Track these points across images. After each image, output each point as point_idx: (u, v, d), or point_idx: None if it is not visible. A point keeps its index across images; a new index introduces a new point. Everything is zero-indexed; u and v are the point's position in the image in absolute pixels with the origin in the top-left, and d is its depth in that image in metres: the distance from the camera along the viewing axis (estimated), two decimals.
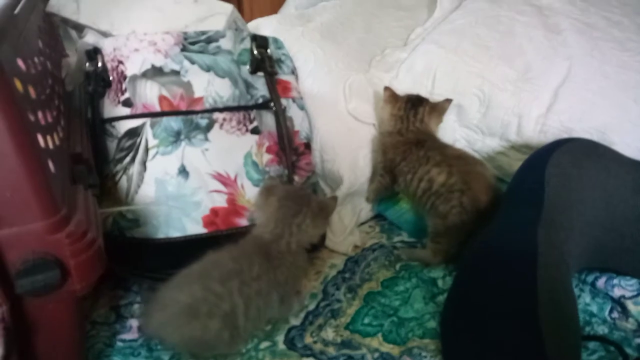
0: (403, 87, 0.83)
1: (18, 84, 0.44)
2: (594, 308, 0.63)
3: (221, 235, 0.68)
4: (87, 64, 0.70)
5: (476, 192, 0.70)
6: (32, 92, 0.48)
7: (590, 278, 0.67)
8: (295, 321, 0.63)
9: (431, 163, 0.73)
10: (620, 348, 0.55)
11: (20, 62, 0.47)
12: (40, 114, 0.49)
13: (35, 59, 0.54)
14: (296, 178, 0.74)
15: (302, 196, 0.65)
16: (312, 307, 0.66)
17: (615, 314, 0.62)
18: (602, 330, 0.60)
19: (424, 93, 0.83)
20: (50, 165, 0.47)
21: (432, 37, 0.89)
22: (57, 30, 0.81)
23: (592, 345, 0.57)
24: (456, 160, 0.73)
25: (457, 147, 0.80)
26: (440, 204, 0.71)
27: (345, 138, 0.81)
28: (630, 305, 0.62)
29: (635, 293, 0.64)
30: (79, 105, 0.71)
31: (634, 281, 0.65)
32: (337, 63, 0.85)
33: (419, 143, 0.76)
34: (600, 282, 0.66)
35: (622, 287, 0.65)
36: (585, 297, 0.64)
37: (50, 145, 0.50)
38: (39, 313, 0.47)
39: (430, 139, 0.77)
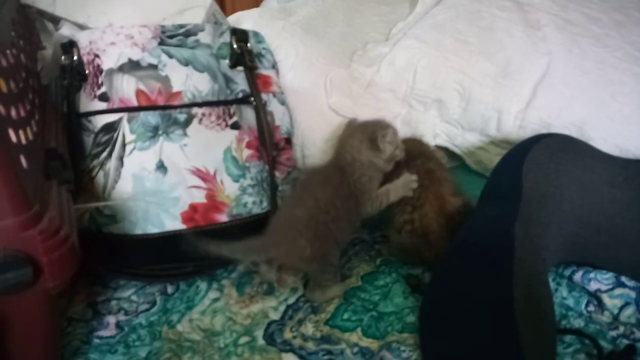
0: (384, 82, 0.83)
1: None
2: (570, 302, 0.63)
3: (200, 231, 0.67)
4: (63, 57, 0.68)
5: (427, 217, 0.67)
6: (3, 86, 0.47)
7: (567, 272, 0.67)
8: (274, 316, 0.63)
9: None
10: (595, 341, 0.55)
11: None
12: (12, 108, 0.49)
13: (8, 51, 0.53)
14: (277, 173, 0.74)
15: (367, 125, 0.72)
16: (291, 301, 0.66)
17: (591, 307, 0.63)
18: (578, 323, 0.60)
19: (405, 88, 0.83)
20: (23, 160, 0.46)
21: (414, 32, 0.88)
22: (32, 23, 0.79)
23: (567, 338, 0.58)
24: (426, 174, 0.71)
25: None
26: (398, 215, 0.69)
27: (326, 133, 0.81)
28: (605, 298, 0.63)
29: (611, 287, 0.65)
30: (54, 99, 0.70)
31: (609, 275, 0.66)
32: (318, 57, 0.85)
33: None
34: (577, 276, 0.66)
35: (598, 280, 0.66)
36: (562, 291, 0.65)
37: (23, 140, 0.49)
38: (12, 311, 0.46)
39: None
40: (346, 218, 0.65)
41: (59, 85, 0.69)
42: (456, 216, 0.67)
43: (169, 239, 0.66)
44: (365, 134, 0.69)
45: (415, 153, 0.74)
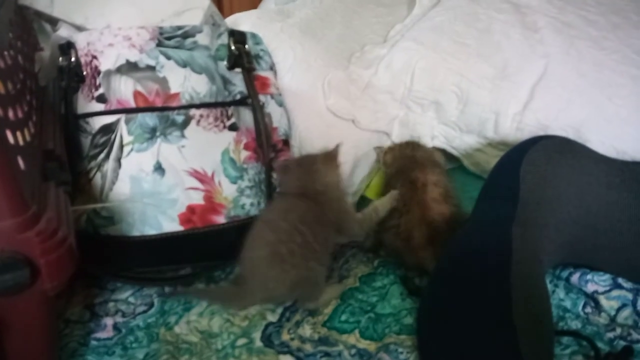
0: (382, 84, 0.84)
1: None
2: (567, 303, 0.64)
3: (198, 232, 0.67)
4: (60, 59, 0.68)
5: (410, 224, 0.67)
6: (1, 87, 0.47)
7: (564, 274, 0.67)
8: (272, 317, 0.63)
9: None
10: (592, 342, 0.55)
11: None
12: (10, 110, 0.48)
13: (5, 53, 0.53)
14: (274, 175, 0.74)
15: (310, 156, 0.70)
16: (289, 303, 0.65)
17: (588, 309, 0.63)
18: (575, 325, 0.61)
19: (402, 90, 0.83)
20: (20, 161, 0.46)
21: (412, 34, 0.89)
22: (30, 24, 0.79)
23: (565, 340, 0.58)
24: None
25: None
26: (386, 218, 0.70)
27: (324, 134, 0.81)
28: (603, 300, 0.63)
29: (608, 288, 0.65)
30: (52, 100, 0.70)
31: (606, 276, 0.66)
32: (316, 59, 0.85)
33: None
34: (574, 278, 0.67)
35: (595, 282, 0.66)
36: (560, 293, 0.65)
37: (21, 142, 0.49)
38: (9, 312, 0.46)
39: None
40: (316, 242, 0.62)
41: (56, 86, 0.69)
42: (441, 224, 0.67)
43: (167, 240, 0.66)
44: (321, 159, 0.67)
45: (406, 161, 0.75)
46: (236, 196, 0.70)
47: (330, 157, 0.68)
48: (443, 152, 0.85)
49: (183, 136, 0.67)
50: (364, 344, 0.59)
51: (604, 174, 0.66)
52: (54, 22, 0.79)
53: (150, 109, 0.67)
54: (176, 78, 0.68)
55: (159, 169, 0.66)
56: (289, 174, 0.68)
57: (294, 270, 0.60)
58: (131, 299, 0.67)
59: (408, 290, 0.67)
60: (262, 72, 0.77)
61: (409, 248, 0.67)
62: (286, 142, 0.77)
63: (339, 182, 0.68)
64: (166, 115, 0.67)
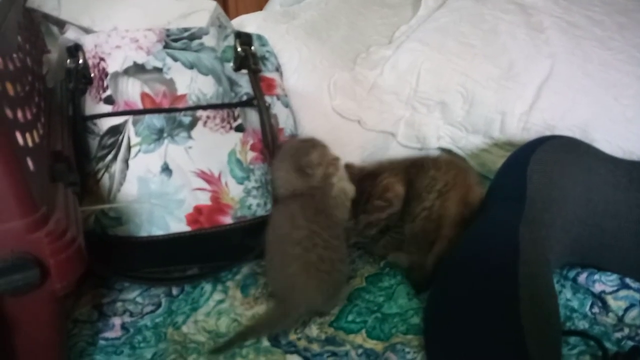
0: (388, 85, 0.84)
1: None
2: (575, 303, 0.63)
3: (205, 233, 0.68)
4: (68, 61, 0.69)
5: (449, 200, 0.68)
6: (10, 89, 0.48)
7: (571, 274, 0.67)
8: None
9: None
10: (600, 342, 0.55)
11: None
12: (19, 111, 0.49)
13: (14, 55, 0.54)
14: None
15: (290, 149, 0.69)
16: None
17: (595, 309, 0.63)
18: (582, 325, 0.60)
19: (408, 90, 0.83)
20: (30, 163, 0.46)
21: (417, 35, 0.89)
22: (38, 26, 0.80)
23: (572, 340, 0.58)
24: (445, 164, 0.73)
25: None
26: (415, 206, 0.70)
27: (330, 135, 0.81)
28: (610, 300, 0.63)
29: (615, 288, 0.65)
30: (60, 102, 0.70)
31: (614, 277, 0.66)
32: (321, 60, 0.85)
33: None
34: (582, 278, 0.66)
35: (602, 282, 0.66)
36: (567, 293, 0.65)
37: (30, 143, 0.49)
38: (19, 312, 0.46)
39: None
40: (331, 235, 0.62)
41: (64, 88, 0.70)
42: (477, 205, 0.68)
43: (174, 241, 0.67)
44: (290, 164, 0.67)
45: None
46: (243, 197, 0.70)
47: (298, 168, 0.66)
48: (449, 152, 0.85)
49: (190, 137, 0.68)
50: (370, 344, 0.59)
51: (611, 174, 0.66)
52: (61, 24, 0.80)
53: (158, 110, 0.67)
54: (183, 79, 0.69)
55: (166, 170, 0.66)
56: (280, 165, 0.68)
57: (330, 275, 0.60)
58: (139, 299, 0.67)
59: (414, 282, 0.67)
60: (268, 74, 0.78)
61: (439, 227, 0.67)
62: None
63: (330, 169, 0.68)
64: (173, 116, 0.67)
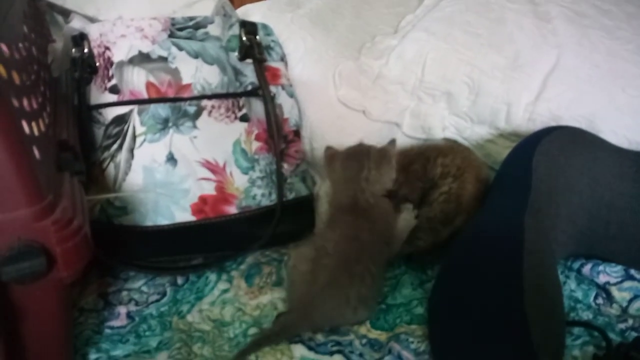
0: (393, 75, 0.83)
1: (1, 69, 0.44)
2: (579, 294, 0.63)
3: (210, 223, 0.68)
4: (73, 50, 0.69)
5: (466, 182, 0.70)
6: (16, 78, 0.48)
7: (576, 265, 0.67)
8: (283, 307, 0.64)
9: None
10: (604, 333, 0.55)
11: (3, 47, 0.46)
12: (25, 100, 0.49)
13: (20, 44, 0.54)
14: (285, 166, 0.74)
15: (360, 151, 0.68)
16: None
17: (599, 300, 0.63)
18: (586, 315, 0.61)
19: (413, 80, 0.82)
20: (36, 152, 0.46)
21: (423, 25, 0.88)
22: (43, 15, 0.80)
23: (576, 330, 0.58)
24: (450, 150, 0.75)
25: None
26: (431, 194, 0.71)
27: (335, 125, 0.81)
28: (614, 291, 0.63)
29: (619, 279, 0.65)
30: (65, 91, 0.70)
31: (618, 268, 0.66)
32: (327, 50, 0.84)
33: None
34: (586, 269, 0.66)
35: (607, 273, 0.66)
36: (571, 284, 0.65)
37: (36, 132, 0.49)
38: (26, 300, 0.46)
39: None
40: (371, 262, 0.60)
41: (69, 77, 0.70)
42: (489, 181, 0.71)
43: (179, 230, 0.67)
44: (374, 159, 0.66)
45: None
46: (247, 187, 0.70)
47: (383, 155, 0.66)
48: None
49: (195, 127, 0.68)
50: (375, 334, 0.60)
51: (617, 164, 0.65)
52: (66, 13, 0.80)
53: (163, 99, 0.67)
54: (188, 69, 0.68)
55: (171, 159, 0.66)
56: (335, 168, 0.67)
57: (353, 289, 0.58)
58: (144, 288, 0.68)
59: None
60: (273, 63, 0.77)
61: (459, 206, 0.69)
62: (297, 133, 0.78)
63: (384, 192, 0.66)
64: (178, 106, 0.67)
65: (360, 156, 0.67)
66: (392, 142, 0.70)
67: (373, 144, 0.83)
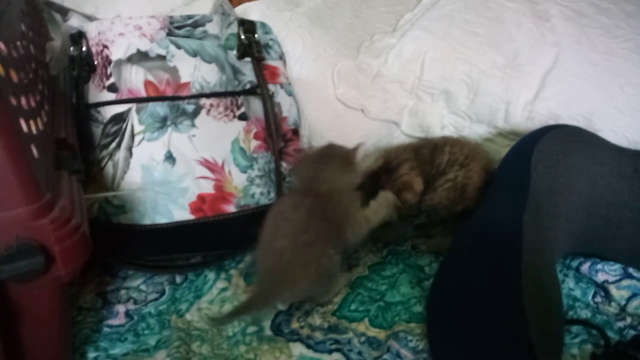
0: (392, 73, 0.83)
1: None
2: (577, 293, 0.64)
3: (208, 221, 0.68)
4: (72, 48, 0.69)
5: (472, 171, 0.70)
6: (14, 76, 0.48)
7: (574, 263, 0.67)
8: (281, 306, 0.64)
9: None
10: (602, 332, 0.55)
11: (1, 45, 0.46)
12: (23, 98, 0.49)
13: (18, 43, 0.54)
14: (284, 164, 0.74)
15: (325, 154, 0.66)
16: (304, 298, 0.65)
17: (598, 299, 0.63)
18: (585, 314, 0.61)
19: (412, 79, 0.82)
20: (34, 150, 0.46)
21: (421, 23, 0.88)
22: (41, 14, 0.80)
23: (575, 329, 0.58)
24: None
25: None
26: (436, 180, 0.71)
27: (334, 124, 0.81)
28: (613, 289, 0.63)
29: (618, 278, 0.65)
30: (63, 90, 0.70)
31: (617, 266, 0.66)
32: (325, 49, 0.85)
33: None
34: (585, 267, 0.66)
35: (605, 272, 0.66)
36: (570, 282, 0.65)
37: (34, 130, 0.49)
38: (24, 298, 0.46)
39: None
40: (327, 240, 0.59)
41: (67, 76, 0.69)
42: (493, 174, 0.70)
43: (178, 229, 0.67)
44: (337, 162, 0.65)
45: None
46: (246, 185, 0.70)
47: (347, 159, 0.65)
48: None
49: (193, 125, 0.68)
50: (373, 332, 0.60)
51: (615, 163, 0.65)
52: (64, 12, 0.79)
53: (161, 98, 0.67)
54: (186, 67, 0.68)
55: (169, 158, 0.66)
56: (303, 166, 0.66)
57: (317, 258, 0.58)
58: (143, 287, 0.68)
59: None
60: (272, 62, 0.77)
61: (463, 194, 0.69)
62: (296, 132, 0.77)
63: (348, 188, 0.64)
64: (177, 104, 0.67)
65: (324, 158, 0.66)
66: (358, 146, 0.67)
67: (371, 142, 0.83)
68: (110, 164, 0.66)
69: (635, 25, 0.81)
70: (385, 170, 0.71)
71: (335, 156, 0.65)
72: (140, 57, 0.67)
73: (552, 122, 0.74)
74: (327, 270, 0.60)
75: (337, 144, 0.68)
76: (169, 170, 0.66)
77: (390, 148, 0.76)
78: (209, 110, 0.69)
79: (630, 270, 0.65)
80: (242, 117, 0.71)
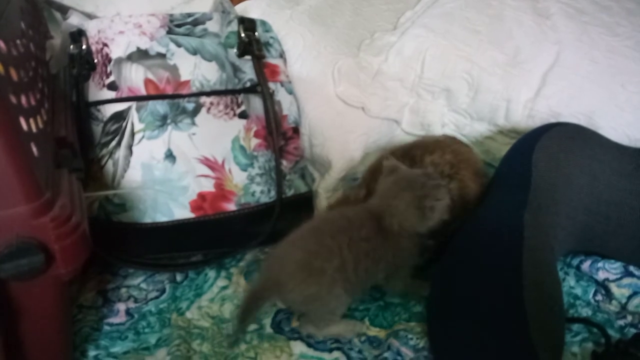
0: (392, 71, 0.83)
1: None
2: (578, 291, 0.63)
3: (209, 220, 0.68)
4: (71, 47, 0.69)
5: (465, 180, 0.67)
6: (14, 74, 0.48)
7: (575, 261, 0.67)
8: (282, 304, 0.64)
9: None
10: (603, 330, 0.55)
11: (1, 44, 0.46)
12: (23, 97, 0.49)
13: (18, 41, 0.53)
14: (284, 162, 0.74)
15: (416, 182, 0.59)
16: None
17: (599, 297, 0.63)
18: (585, 312, 0.61)
19: (413, 77, 0.82)
20: (34, 148, 0.46)
21: (422, 21, 0.88)
22: (40, 12, 0.79)
23: (575, 327, 0.58)
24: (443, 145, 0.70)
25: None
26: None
27: (334, 122, 0.81)
28: (613, 288, 0.63)
29: (619, 276, 0.65)
30: (63, 88, 0.70)
31: (618, 264, 0.66)
32: (326, 47, 0.84)
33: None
34: (585, 266, 0.66)
35: (606, 270, 0.66)
36: (570, 280, 0.65)
37: (34, 129, 0.49)
38: (25, 297, 0.46)
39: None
40: (356, 274, 0.56)
41: (67, 74, 0.69)
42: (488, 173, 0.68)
43: (178, 227, 0.67)
44: (413, 196, 0.58)
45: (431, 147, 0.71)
46: (246, 184, 0.70)
47: (420, 205, 0.58)
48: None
49: (194, 124, 0.67)
50: (373, 331, 0.60)
51: (616, 161, 0.65)
52: (64, 10, 0.79)
53: (161, 96, 0.67)
54: (186, 65, 0.68)
55: (170, 156, 0.66)
56: (387, 181, 0.61)
57: (316, 287, 0.55)
58: (143, 285, 0.68)
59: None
60: (272, 60, 0.77)
61: (465, 203, 0.65)
62: (296, 130, 0.77)
63: (413, 230, 0.58)
64: (177, 102, 0.67)
65: (410, 185, 0.59)
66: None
67: (372, 140, 0.83)
68: (110, 163, 0.66)
69: (636, 23, 0.81)
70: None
71: (413, 191, 0.58)
72: (140, 55, 0.67)
73: (553, 120, 0.74)
74: (321, 304, 0.56)
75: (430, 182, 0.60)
76: (169, 168, 0.66)
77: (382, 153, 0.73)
78: (209, 109, 0.69)
79: (631, 268, 0.65)
80: (243, 115, 0.71)
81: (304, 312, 0.60)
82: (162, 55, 0.68)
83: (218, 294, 0.66)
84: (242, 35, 0.73)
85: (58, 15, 0.82)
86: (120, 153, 0.66)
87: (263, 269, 0.59)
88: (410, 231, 0.58)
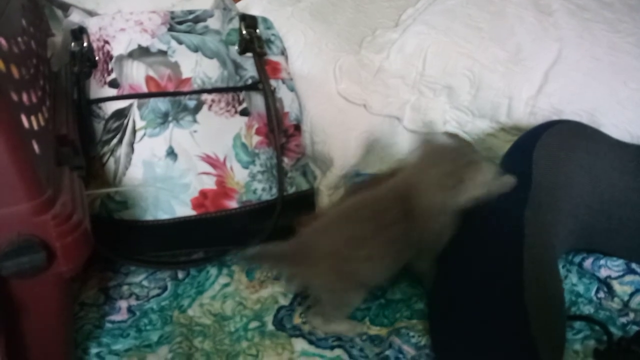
0: (394, 68, 0.83)
1: (0, 63, 0.44)
2: (580, 288, 0.63)
3: (210, 217, 0.68)
4: (73, 44, 0.68)
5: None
6: (15, 72, 0.48)
7: (577, 259, 0.67)
8: (284, 301, 0.64)
9: None
10: (605, 327, 0.55)
11: (2, 41, 0.46)
12: (24, 94, 0.49)
13: (19, 38, 0.53)
14: (286, 160, 0.74)
15: (446, 157, 0.57)
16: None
17: (601, 294, 0.63)
18: (588, 310, 0.61)
19: (414, 74, 0.82)
20: (35, 146, 0.46)
21: (424, 18, 0.88)
22: (42, 9, 0.79)
23: (577, 324, 0.58)
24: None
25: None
26: None
27: (335, 119, 0.81)
28: (616, 285, 0.63)
29: (621, 273, 0.65)
30: (64, 85, 0.70)
31: (620, 262, 0.66)
32: (327, 44, 0.84)
33: None
34: (587, 263, 0.66)
35: (608, 267, 0.66)
36: (572, 278, 0.65)
37: (35, 126, 0.49)
38: (26, 295, 0.46)
39: None
40: (382, 261, 0.56)
41: (69, 72, 0.69)
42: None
43: (180, 225, 0.67)
44: (447, 170, 0.55)
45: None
46: (248, 181, 0.70)
47: (457, 168, 0.55)
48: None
49: (195, 121, 0.67)
50: (374, 330, 0.60)
51: (618, 159, 0.65)
52: (65, 7, 0.79)
53: (162, 94, 0.67)
54: (188, 63, 0.68)
55: (171, 153, 0.66)
56: (422, 157, 0.58)
57: (335, 277, 0.55)
58: (145, 283, 0.68)
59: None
60: (273, 57, 0.77)
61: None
62: (297, 127, 0.77)
63: (446, 208, 0.56)
64: (178, 100, 0.67)
65: (444, 164, 0.56)
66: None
67: (374, 138, 0.82)
68: (111, 160, 0.66)
69: (639, 20, 0.81)
70: None
71: (442, 161, 0.56)
72: (142, 52, 0.67)
73: (554, 117, 0.74)
74: (333, 298, 0.57)
75: (459, 139, 0.59)
76: (170, 166, 0.66)
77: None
78: (210, 106, 0.68)
79: (633, 265, 0.65)
80: (244, 112, 0.71)
81: (318, 301, 0.59)
82: (163, 53, 0.67)
83: (220, 291, 0.66)
84: (244, 32, 0.72)
85: (59, 12, 0.82)
86: (122, 150, 0.66)
87: (295, 242, 0.57)
88: (439, 210, 0.55)
